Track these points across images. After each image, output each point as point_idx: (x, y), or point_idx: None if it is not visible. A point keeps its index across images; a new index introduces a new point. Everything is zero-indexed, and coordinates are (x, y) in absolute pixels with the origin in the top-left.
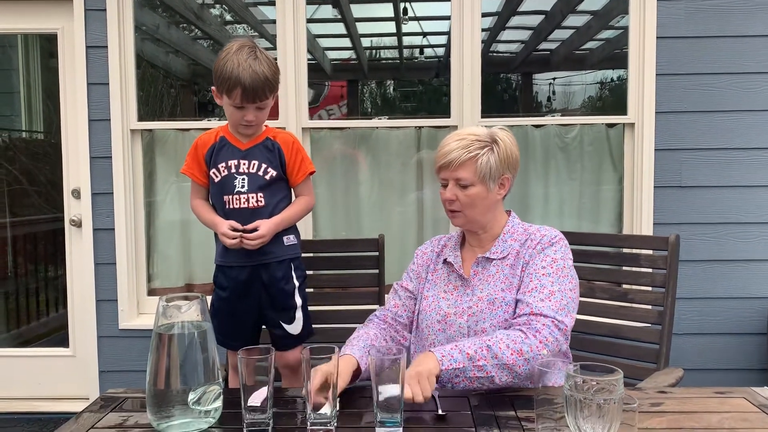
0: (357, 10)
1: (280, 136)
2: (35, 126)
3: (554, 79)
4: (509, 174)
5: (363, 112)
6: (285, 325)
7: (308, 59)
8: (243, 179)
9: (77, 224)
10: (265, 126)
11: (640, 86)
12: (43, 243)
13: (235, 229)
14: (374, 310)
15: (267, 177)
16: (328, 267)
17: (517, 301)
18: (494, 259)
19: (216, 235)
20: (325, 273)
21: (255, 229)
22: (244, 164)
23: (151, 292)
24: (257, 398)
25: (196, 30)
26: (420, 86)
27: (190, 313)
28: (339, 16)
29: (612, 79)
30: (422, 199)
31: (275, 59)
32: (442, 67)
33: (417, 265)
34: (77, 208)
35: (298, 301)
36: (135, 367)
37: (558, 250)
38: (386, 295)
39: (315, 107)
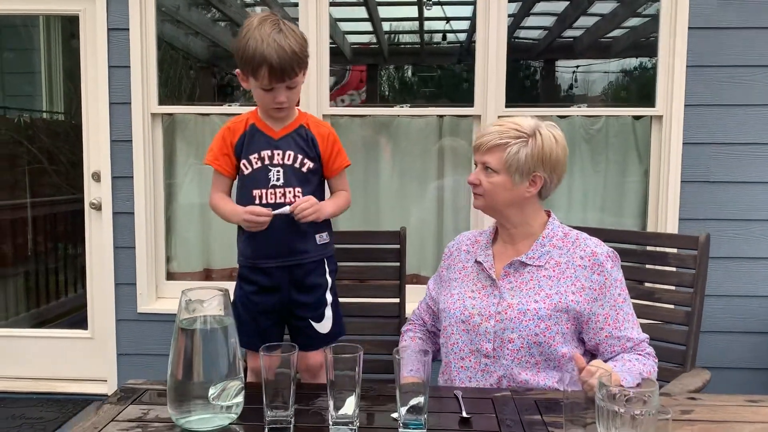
0: None
1: (315, 127)
2: (56, 107)
3: (577, 67)
4: (543, 173)
5: (383, 98)
6: (314, 324)
7: (329, 44)
8: (278, 171)
9: (97, 207)
10: (298, 110)
11: (669, 78)
12: (63, 224)
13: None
14: (395, 303)
15: (304, 169)
16: (348, 259)
17: (607, 339)
18: (530, 264)
19: (239, 233)
20: (346, 265)
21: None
22: (278, 155)
23: (170, 277)
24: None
25: (218, 12)
26: (442, 72)
27: (213, 307)
28: (362, 0)
29: (640, 70)
30: (443, 188)
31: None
32: (464, 52)
33: (443, 266)
34: (97, 191)
35: (329, 298)
36: (152, 351)
37: (618, 268)
38: (407, 286)
39: (335, 92)
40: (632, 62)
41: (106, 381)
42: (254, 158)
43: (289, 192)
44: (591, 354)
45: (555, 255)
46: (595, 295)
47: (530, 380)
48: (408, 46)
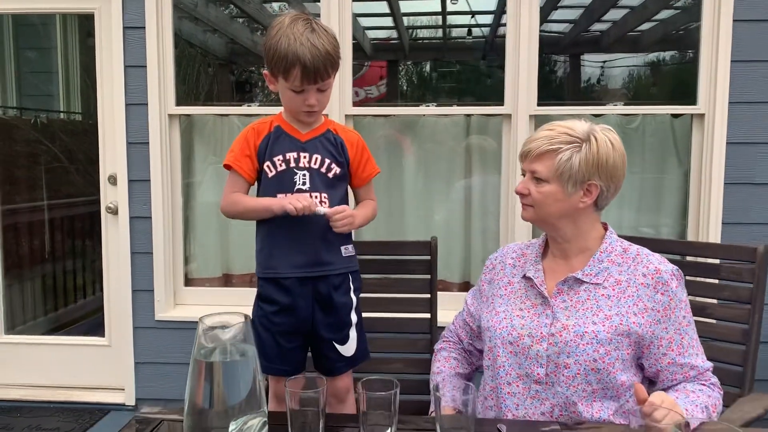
0: None
1: (343, 132)
2: (74, 107)
3: (604, 63)
4: (599, 182)
5: (403, 95)
6: (337, 346)
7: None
8: (304, 175)
9: (113, 211)
10: (324, 116)
11: (712, 74)
12: (80, 226)
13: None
14: (426, 319)
15: (330, 175)
16: (374, 270)
17: (675, 365)
18: (586, 282)
19: (260, 241)
20: (372, 277)
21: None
22: (304, 158)
23: (188, 283)
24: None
25: (236, 9)
26: (466, 68)
27: (233, 336)
28: None
29: (678, 65)
30: (471, 191)
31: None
32: (489, 48)
33: (484, 279)
34: (113, 194)
35: (353, 318)
36: (171, 359)
37: (683, 288)
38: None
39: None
40: (668, 56)
41: (123, 390)
42: (279, 160)
43: (315, 197)
44: (649, 381)
45: (614, 272)
46: (658, 317)
47: (584, 411)
48: (430, 41)
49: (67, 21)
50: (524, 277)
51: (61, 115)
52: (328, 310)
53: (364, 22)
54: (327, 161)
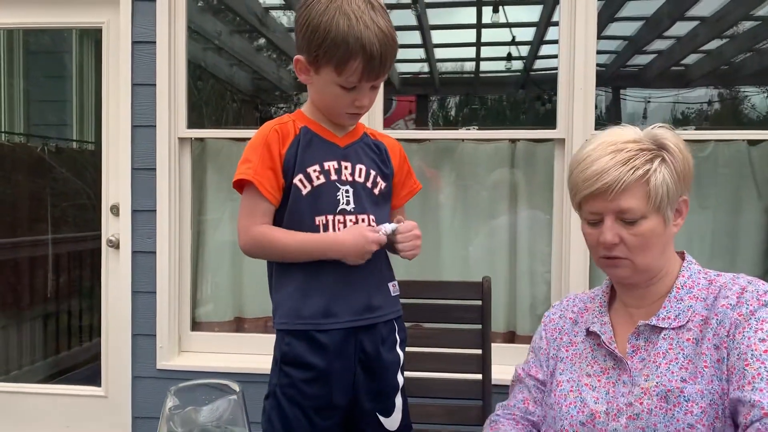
0: (434, 17)
1: (381, 137)
2: (86, 134)
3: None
4: (686, 194)
5: (436, 124)
6: (382, 419)
7: None
8: (347, 191)
9: (115, 245)
10: None
11: None
12: (84, 263)
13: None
14: (476, 380)
15: (376, 191)
16: (410, 318)
17: (734, 403)
18: (665, 328)
19: (280, 282)
20: (409, 326)
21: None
22: (346, 168)
23: (195, 327)
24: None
25: (256, 35)
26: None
27: (217, 415)
28: (416, 24)
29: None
30: (516, 229)
31: None
32: (523, 80)
33: (546, 340)
34: (116, 226)
35: (401, 380)
36: None
37: None
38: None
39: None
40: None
41: None
42: (314, 171)
43: (363, 221)
44: None
45: (699, 309)
46: (728, 339)
47: None
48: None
49: (83, 41)
50: (588, 333)
51: (74, 144)
52: (373, 371)
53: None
54: (372, 173)
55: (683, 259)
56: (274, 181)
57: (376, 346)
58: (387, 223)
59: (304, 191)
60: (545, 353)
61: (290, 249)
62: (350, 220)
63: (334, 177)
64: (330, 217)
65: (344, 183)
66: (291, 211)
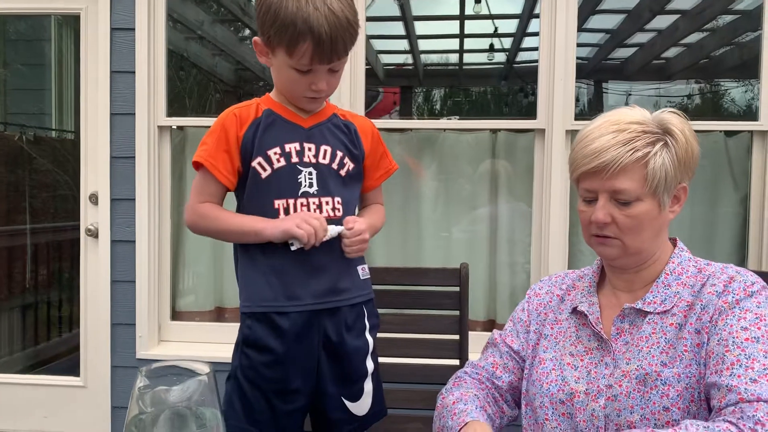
0: (417, 7)
1: (353, 118)
2: (65, 123)
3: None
4: (687, 181)
5: (420, 115)
6: (348, 403)
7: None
8: (310, 174)
9: (94, 234)
10: (326, 101)
11: None
12: (64, 253)
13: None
14: (453, 366)
15: (342, 172)
16: (388, 304)
17: (709, 387)
18: (650, 312)
19: (245, 266)
20: (386, 313)
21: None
22: (309, 150)
23: (176, 316)
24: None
25: (239, 25)
26: (486, 90)
27: (185, 397)
28: (399, 14)
29: (737, 84)
30: (497, 219)
31: None
32: (506, 71)
33: (528, 312)
34: (95, 215)
35: (370, 366)
36: None
37: (763, 303)
38: (470, 344)
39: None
40: (727, 72)
41: None
42: (275, 154)
43: (327, 203)
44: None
45: (686, 295)
46: (710, 325)
47: None
48: (446, 67)
49: (63, 30)
50: (574, 311)
51: (53, 133)
52: (338, 356)
53: (377, 45)
54: (339, 154)
55: (675, 245)
56: (229, 163)
57: (339, 330)
58: (334, 225)
59: (264, 174)
60: (524, 325)
61: (229, 226)
62: (313, 203)
63: (295, 159)
64: (291, 201)
65: (306, 165)
66: (249, 195)
